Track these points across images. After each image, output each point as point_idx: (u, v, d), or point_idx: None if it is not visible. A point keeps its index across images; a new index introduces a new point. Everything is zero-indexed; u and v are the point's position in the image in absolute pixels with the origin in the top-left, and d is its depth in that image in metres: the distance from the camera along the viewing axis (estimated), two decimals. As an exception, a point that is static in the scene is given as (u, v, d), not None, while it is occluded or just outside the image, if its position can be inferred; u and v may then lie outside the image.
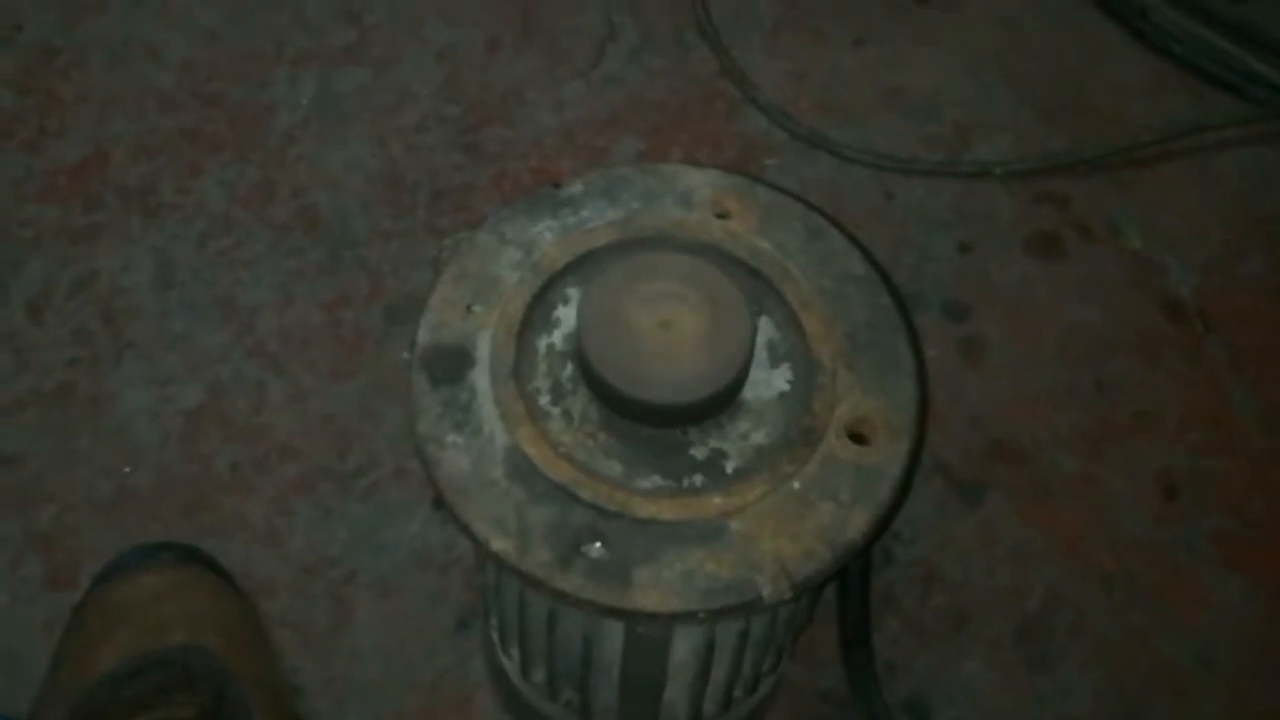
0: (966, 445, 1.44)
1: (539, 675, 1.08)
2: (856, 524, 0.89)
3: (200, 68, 1.71)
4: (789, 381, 0.95)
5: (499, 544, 0.87)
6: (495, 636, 1.15)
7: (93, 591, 0.83)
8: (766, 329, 0.97)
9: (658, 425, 0.92)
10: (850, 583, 1.27)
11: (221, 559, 0.88)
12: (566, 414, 0.93)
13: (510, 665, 1.14)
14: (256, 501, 1.37)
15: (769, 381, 0.95)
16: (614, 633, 0.96)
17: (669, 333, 0.91)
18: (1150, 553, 1.38)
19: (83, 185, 1.60)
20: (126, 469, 1.39)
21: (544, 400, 0.94)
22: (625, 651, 0.98)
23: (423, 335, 0.96)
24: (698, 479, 0.91)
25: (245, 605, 0.86)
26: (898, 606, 1.34)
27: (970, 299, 1.55)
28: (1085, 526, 1.40)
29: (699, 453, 0.92)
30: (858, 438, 0.92)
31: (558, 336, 0.97)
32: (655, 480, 0.90)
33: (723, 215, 1.02)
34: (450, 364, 0.94)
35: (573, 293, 0.98)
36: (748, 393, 0.94)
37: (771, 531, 0.88)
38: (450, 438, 0.91)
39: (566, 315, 0.97)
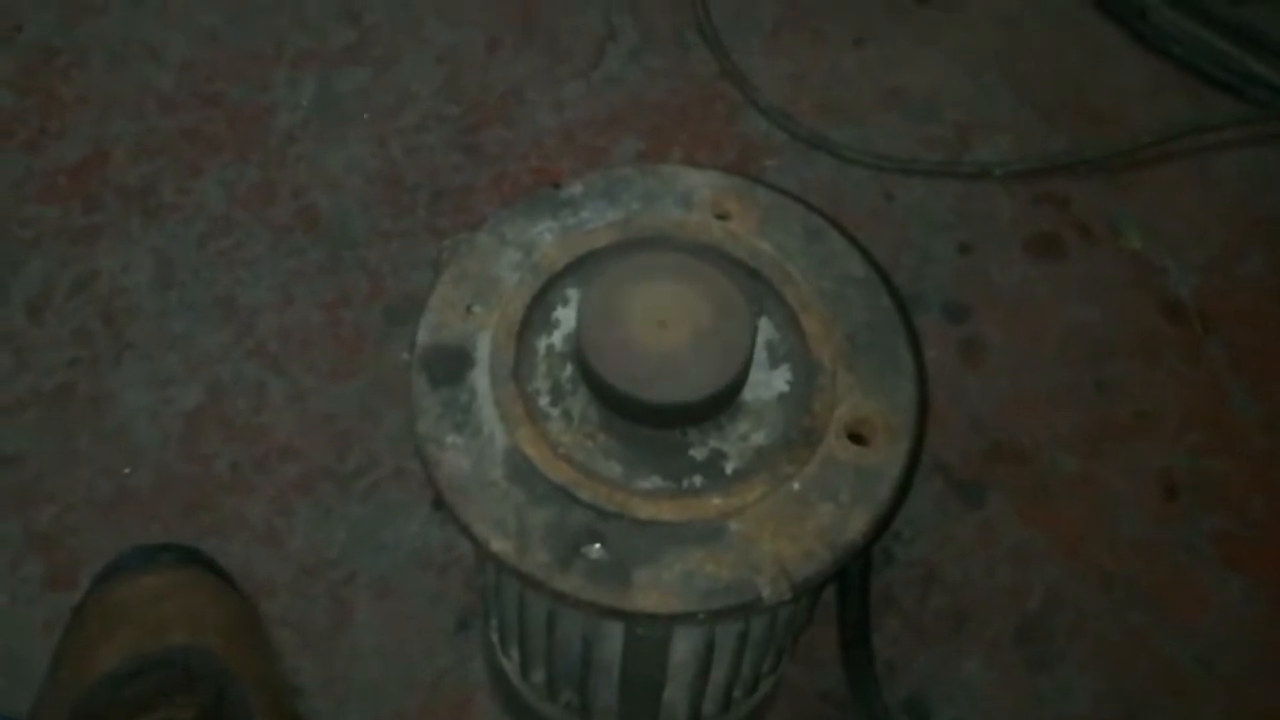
0: (966, 446, 1.44)
1: (539, 676, 1.08)
2: (856, 525, 0.89)
3: (200, 68, 1.71)
4: (789, 382, 0.95)
5: (499, 545, 0.87)
6: (495, 637, 1.15)
7: (93, 592, 0.83)
8: (766, 330, 0.97)
9: (657, 426, 0.92)
10: (850, 583, 1.27)
11: (221, 559, 0.88)
12: (566, 415, 0.93)
13: (510, 666, 1.15)
14: (256, 502, 1.38)
15: (769, 382, 0.95)
16: (614, 633, 0.96)
17: (669, 333, 0.91)
18: (1150, 553, 1.38)
19: (83, 185, 1.60)
20: (126, 469, 1.39)
21: (544, 401, 0.94)
22: (625, 652, 0.98)
23: (423, 336, 0.96)
24: (697, 480, 0.91)
25: (245, 606, 0.86)
26: (898, 606, 1.34)
27: (970, 300, 1.55)
28: (1085, 527, 1.40)
29: (699, 453, 0.92)
30: (857, 439, 0.92)
31: (557, 337, 0.97)
32: (655, 481, 0.90)
33: (723, 216, 1.02)
34: (450, 365, 0.94)
35: (572, 294, 0.98)
36: (747, 394, 0.94)
37: (771, 532, 0.88)
38: (450, 438, 0.91)
39: (566, 316, 0.98)
